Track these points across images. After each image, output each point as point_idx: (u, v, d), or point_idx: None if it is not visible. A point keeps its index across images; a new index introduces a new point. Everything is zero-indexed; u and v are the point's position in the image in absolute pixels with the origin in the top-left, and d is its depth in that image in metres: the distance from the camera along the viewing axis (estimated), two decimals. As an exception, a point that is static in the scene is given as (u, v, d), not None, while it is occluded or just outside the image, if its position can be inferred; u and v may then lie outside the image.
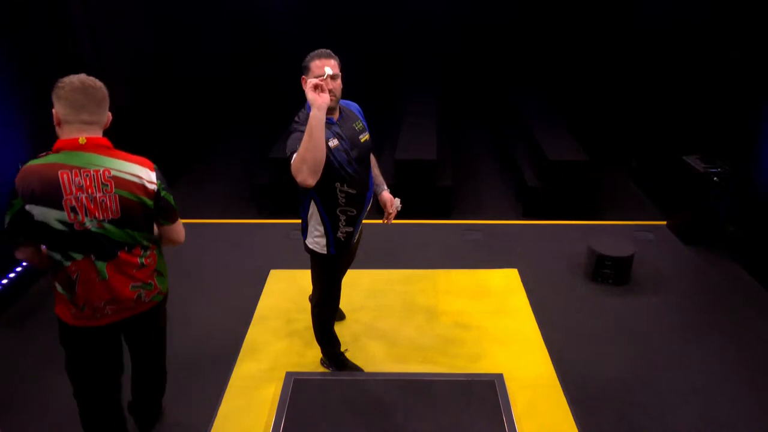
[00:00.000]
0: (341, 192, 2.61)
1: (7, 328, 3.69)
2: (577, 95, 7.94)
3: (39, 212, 2.11)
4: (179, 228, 2.45)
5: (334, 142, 2.50)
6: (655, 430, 2.90)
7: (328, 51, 2.51)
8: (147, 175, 2.23)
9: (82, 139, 2.14)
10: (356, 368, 3.24)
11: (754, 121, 4.25)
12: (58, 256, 2.16)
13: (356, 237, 2.88)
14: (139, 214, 2.23)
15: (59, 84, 2.10)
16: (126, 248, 2.26)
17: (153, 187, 2.23)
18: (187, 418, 2.97)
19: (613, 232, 4.67)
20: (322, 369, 3.26)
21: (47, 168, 2.16)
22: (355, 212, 2.71)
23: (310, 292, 3.14)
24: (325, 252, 2.77)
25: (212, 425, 2.91)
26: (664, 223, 5.01)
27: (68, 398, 3.10)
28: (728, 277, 4.21)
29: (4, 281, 3.81)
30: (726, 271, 4.29)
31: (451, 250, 4.56)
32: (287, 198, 4.07)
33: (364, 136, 2.66)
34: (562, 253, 4.48)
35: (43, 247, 2.21)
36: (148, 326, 2.58)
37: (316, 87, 2.31)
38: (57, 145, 2.18)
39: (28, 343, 3.54)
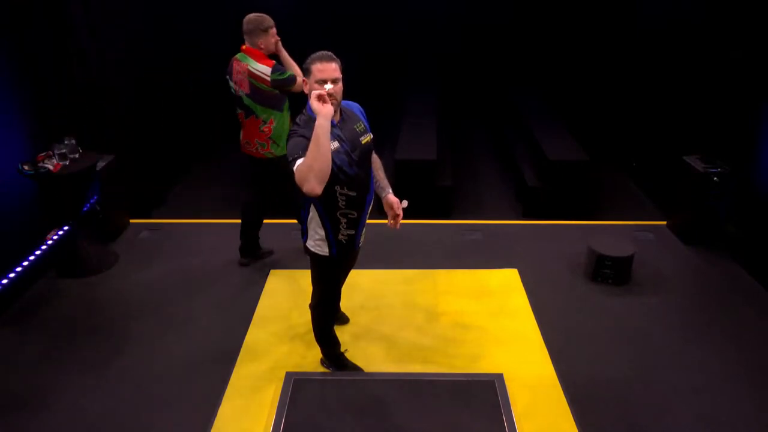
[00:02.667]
0: (341, 195, 2.60)
1: (7, 328, 3.69)
2: (577, 95, 7.94)
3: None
4: (298, 87, 3.69)
5: (334, 145, 2.47)
6: (655, 430, 2.90)
7: (330, 54, 2.49)
8: (266, 71, 3.65)
9: (243, 47, 3.75)
10: (356, 368, 3.24)
11: (754, 121, 4.25)
12: (236, 108, 3.89)
13: (361, 240, 2.85)
14: (258, 94, 3.70)
15: None
16: (253, 115, 3.78)
17: (267, 78, 3.65)
18: (187, 418, 2.97)
19: (613, 232, 4.67)
20: (322, 369, 3.27)
21: (233, 58, 3.79)
22: (356, 215, 2.69)
23: (310, 297, 3.13)
24: (326, 254, 2.75)
25: (212, 425, 2.91)
26: (664, 223, 5.01)
27: (68, 398, 3.12)
28: (728, 277, 4.21)
29: (4, 281, 3.81)
30: (726, 271, 4.29)
31: (451, 250, 4.56)
32: (287, 198, 4.08)
33: (366, 138, 2.64)
34: (562, 253, 4.48)
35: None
36: (263, 169, 4.00)
37: (320, 97, 2.33)
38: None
39: (28, 343, 3.54)
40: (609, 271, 4.05)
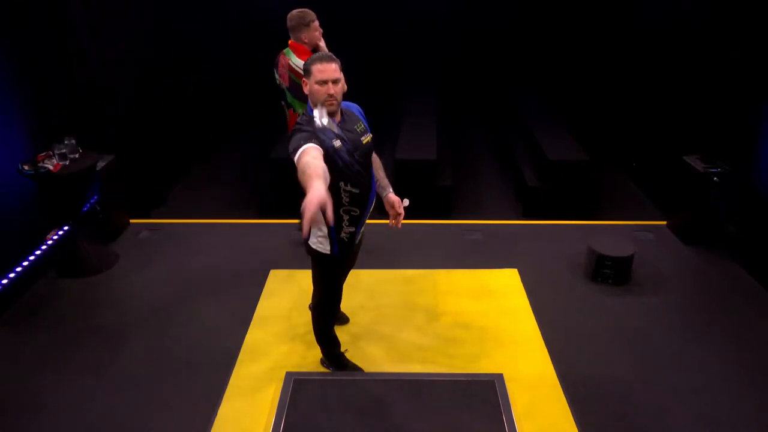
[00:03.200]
0: (345, 191, 2.61)
1: (7, 328, 3.69)
2: (577, 95, 7.94)
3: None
4: None
5: (337, 143, 2.50)
6: (655, 430, 2.90)
7: (330, 54, 2.52)
8: (302, 65, 3.35)
9: (289, 42, 3.86)
10: (356, 368, 3.24)
11: (754, 121, 4.25)
12: (280, 101, 4.05)
13: (359, 238, 2.86)
14: (295, 88, 3.78)
15: None
16: (291, 108, 3.92)
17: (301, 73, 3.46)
18: (187, 418, 2.97)
19: (613, 232, 4.67)
20: (322, 369, 3.27)
21: (280, 52, 3.92)
22: (358, 212, 2.71)
23: (310, 298, 3.13)
24: (328, 252, 2.75)
25: (212, 425, 2.91)
26: (664, 223, 5.01)
27: (68, 398, 3.12)
28: (728, 277, 4.21)
29: (4, 281, 3.81)
30: (726, 271, 4.29)
31: (451, 250, 4.56)
32: (287, 198, 4.08)
33: (366, 138, 2.66)
34: (562, 253, 4.48)
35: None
36: None
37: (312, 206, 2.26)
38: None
39: (28, 343, 3.54)
40: (609, 271, 4.05)
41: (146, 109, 5.63)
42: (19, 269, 3.94)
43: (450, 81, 8.45)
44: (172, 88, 6.33)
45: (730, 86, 4.51)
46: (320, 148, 2.41)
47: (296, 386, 3.08)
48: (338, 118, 2.58)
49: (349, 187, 2.62)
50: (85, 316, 3.79)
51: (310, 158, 2.31)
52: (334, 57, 2.52)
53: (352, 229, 2.75)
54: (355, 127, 2.64)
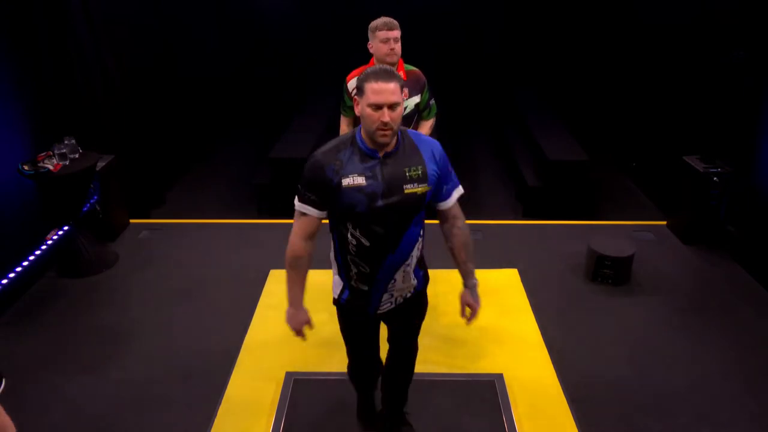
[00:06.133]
0: (352, 236, 2.10)
1: (7, 328, 3.69)
2: (578, 95, 7.94)
3: None
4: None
5: (355, 180, 1.99)
6: (655, 430, 2.90)
7: (389, 70, 1.94)
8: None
9: None
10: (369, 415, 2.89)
11: (754, 121, 4.25)
12: None
13: (381, 307, 2.28)
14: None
15: None
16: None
17: None
18: (187, 418, 2.97)
19: (613, 232, 4.67)
20: (322, 369, 3.26)
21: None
22: (369, 270, 2.15)
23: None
24: (337, 296, 2.31)
25: (212, 425, 2.91)
26: (664, 223, 5.01)
27: (68, 398, 3.12)
28: (728, 277, 4.21)
29: (4, 281, 3.81)
30: (726, 271, 4.28)
31: (451, 250, 4.55)
32: (287, 198, 4.07)
33: (414, 188, 2.03)
34: (562, 253, 4.47)
35: None
36: None
37: (297, 332, 2.28)
38: None
39: (28, 343, 3.54)
40: (609, 271, 4.04)
41: (146, 108, 5.62)
42: (19, 269, 3.94)
43: (450, 81, 8.45)
44: (172, 87, 6.34)
45: (730, 86, 4.51)
46: (316, 215, 2.09)
47: (296, 386, 3.08)
48: (390, 147, 2.02)
49: (357, 233, 2.08)
50: (85, 316, 3.79)
51: (295, 251, 2.16)
52: (395, 73, 1.95)
53: (364, 288, 2.21)
54: (407, 169, 2.03)
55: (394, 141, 2.03)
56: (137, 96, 5.41)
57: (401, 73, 3.28)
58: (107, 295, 4.03)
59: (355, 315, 2.34)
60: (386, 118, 1.91)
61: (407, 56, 3.41)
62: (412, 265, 2.24)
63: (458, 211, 2.25)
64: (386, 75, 1.92)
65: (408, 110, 3.32)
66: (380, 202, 2.01)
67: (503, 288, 4.06)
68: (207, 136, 7.32)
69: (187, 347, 3.50)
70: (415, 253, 2.22)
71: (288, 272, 2.22)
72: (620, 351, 3.45)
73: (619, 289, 4.05)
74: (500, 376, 3.15)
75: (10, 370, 3.32)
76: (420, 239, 2.23)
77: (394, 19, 3.29)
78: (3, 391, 1.80)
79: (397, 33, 3.27)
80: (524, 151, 6.39)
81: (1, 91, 3.91)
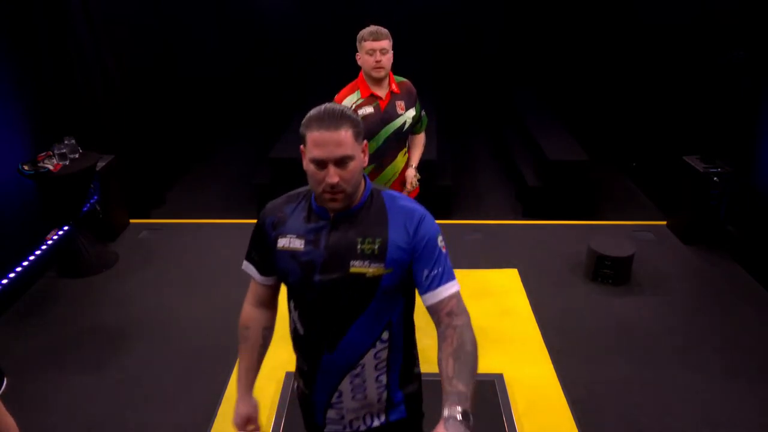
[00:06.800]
0: (292, 317, 1.68)
1: (7, 328, 3.69)
2: (577, 95, 7.94)
3: None
4: None
5: (292, 243, 1.55)
6: (655, 430, 2.90)
7: (339, 112, 1.44)
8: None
9: None
10: None
11: (754, 121, 4.25)
12: None
13: (331, 428, 1.69)
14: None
15: None
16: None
17: None
18: (187, 418, 2.97)
19: (613, 232, 4.67)
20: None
21: None
22: (306, 369, 1.67)
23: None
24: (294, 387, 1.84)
25: (212, 425, 2.91)
26: (664, 223, 5.01)
27: (68, 398, 3.11)
28: (728, 277, 4.21)
29: (4, 281, 3.81)
30: (726, 271, 4.29)
31: (451, 250, 4.52)
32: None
33: (364, 267, 1.49)
34: (562, 253, 4.47)
35: None
36: None
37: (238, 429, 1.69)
38: None
39: (28, 343, 3.54)
40: (609, 271, 4.05)
41: (146, 108, 5.63)
42: (19, 269, 3.94)
43: (450, 81, 8.45)
44: (172, 87, 6.34)
45: (730, 86, 4.51)
46: (258, 279, 1.71)
47: (296, 386, 3.07)
48: (337, 205, 1.48)
49: (295, 315, 1.64)
50: (85, 316, 3.79)
51: (242, 317, 1.77)
52: (347, 116, 1.44)
53: (306, 391, 1.70)
54: (361, 240, 1.50)
55: (357, 198, 1.52)
56: (137, 96, 5.41)
57: (392, 86, 2.98)
58: (107, 295, 4.03)
59: (306, 417, 1.78)
60: (332, 179, 1.42)
61: (406, 59, 3.25)
62: (368, 378, 1.60)
63: (456, 307, 1.58)
64: (332, 120, 1.42)
65: (406, 126, 3.01)
66: (317, 277, 1.52)
67: (503, 288, 4.06)
68: (207, 136, 7.32)
69: (187, 347, 3.50)
70: (370, 360, 1.58)
71: (239, 345, 1.78)
72: (620, 351, 3.45)
73: (619, 289, 4.05)
74: (500, 376, 3.15)
75: (11, 370, 3.32)
76: (382, 345, 1.59)
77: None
78: (5, 390, 1.78)
79: (384, 43, 2.84)
80: (524, 151, 6.39)
81: (1, 91, 3.91)
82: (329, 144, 1.41)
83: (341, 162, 1.42)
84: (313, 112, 1.46)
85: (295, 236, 1.55)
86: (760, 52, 4.15)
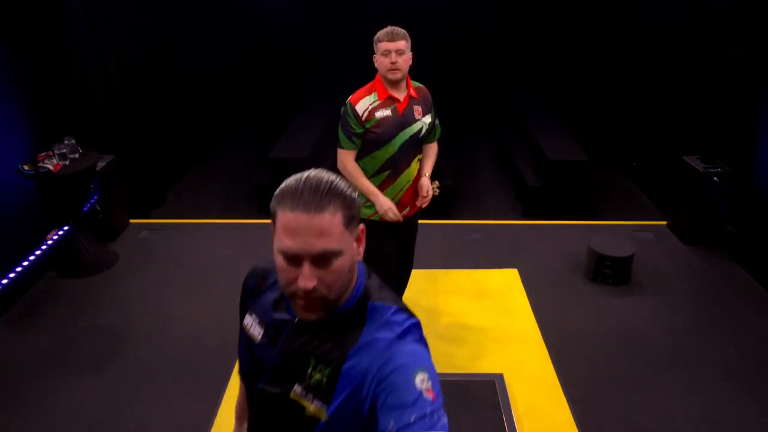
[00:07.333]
0: (248, 392, 1.31)
1: (7, 328, 3.69)
2: (577, 95, 7.94)
3: None
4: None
5: (252, 327, 1.28)
6: (655, 430, 2.90)
7: (323, 183, 1.05)
8: None
9: None
10: None
11: (754, 121, 4.25)
12: None
13: None
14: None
15: None
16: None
17: None
18: (187, 418, 2.97)
19: (613, 232, 4.67)
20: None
21: None
22: None
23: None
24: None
25: (212, 425, 2.91)
26: (664, 223, 5.01)
27: (68, 398, 3.11)
28: (728, 277, 4.21)
29: (4, 281, 3.81)
30: (726, 271, 4.29)
31: (451, 250, 4.56)
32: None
33: (303, 399, 1.14)
34: (562, 253, 4.48)
35: None
36: None
37: None
38: None
39: (28, 343, 3.54)
40: (609, 271, 4.05)
41: (146, 108, 5.63)
42: (19, 269, 3.94)
43: (450, 80, 8.45)
44: (172, 87, 6.34)
45: (730, 86, 4.51)
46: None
47: (296, 386, 3.07)
48: (312, 316, 1.12)
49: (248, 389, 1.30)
50: (85, 316, 3.79)
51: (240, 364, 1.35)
52: (336, 191, 1.06)
53: None
54: (313, 361, 1.14)
55: (341, 302, 1.14)
56: (137, 96, 5.40)
57: (410, 90, 2.89)
58: (107, 295, 4.03)
59: None
60: (307, 284, 1.03)
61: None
62: None
63: None
64: (314, 196, 1.02)
65: (423, 132, 2.95)
66: (260, 385, 1.21)
67: (503, 288, 4.06)
68: (207, 136, 7.31)
69: (187, 347, 3.50)
70: None
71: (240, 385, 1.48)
72: (620, 351, 3.45)
73: (619, 289, 4.05)
74: (500, 376, 3.15)
75: (11, 370, 3.33)
76: None
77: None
78: None
79: (401, 44, 2.74)
80: (524, 151, 6.39)
81: (1, 91, 3.91)
82: (306, 232, 1.01)
83: (322, 259, 1.03)
84: (290, 180, 1.06)
85: (258, 321, 1.25)
86: (760, 52, 4.15)
